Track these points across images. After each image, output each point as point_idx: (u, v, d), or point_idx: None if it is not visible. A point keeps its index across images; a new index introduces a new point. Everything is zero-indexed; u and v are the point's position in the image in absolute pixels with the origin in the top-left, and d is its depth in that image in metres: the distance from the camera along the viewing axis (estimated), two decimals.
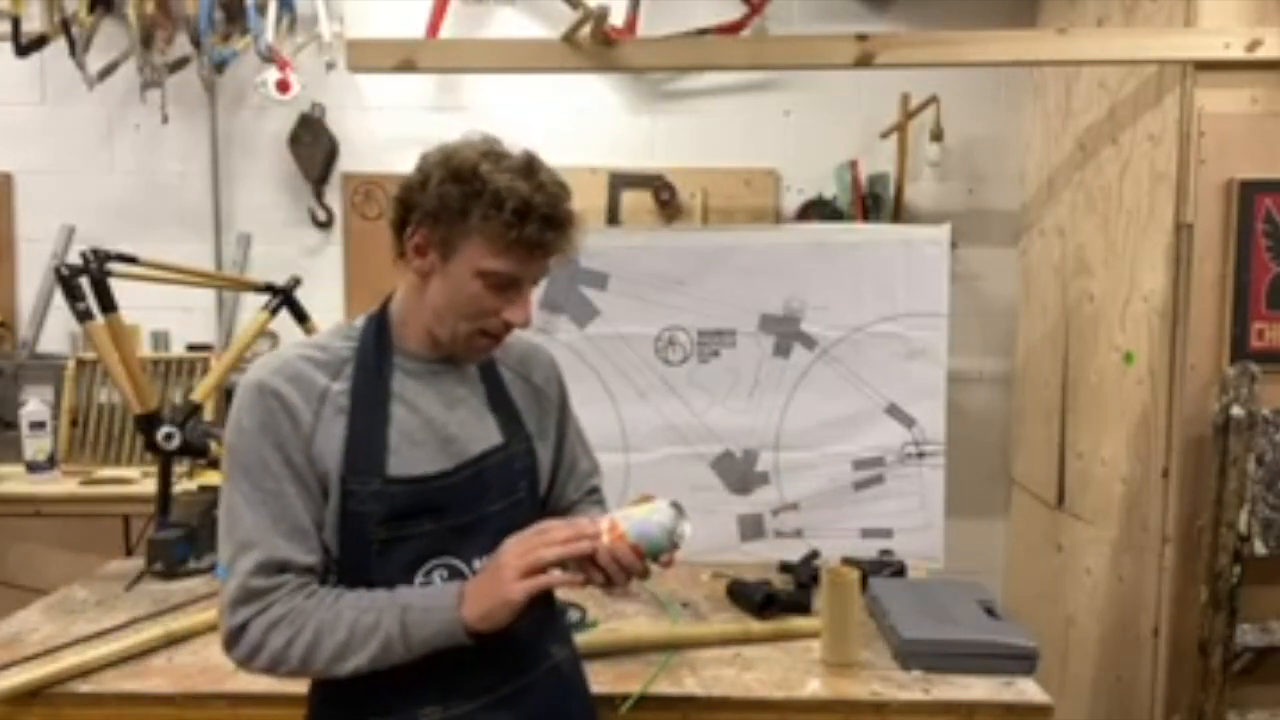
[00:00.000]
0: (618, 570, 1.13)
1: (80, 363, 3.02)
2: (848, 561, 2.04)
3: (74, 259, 2.02)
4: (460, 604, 1.09)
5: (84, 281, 1.94)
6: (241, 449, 1.12)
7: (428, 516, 1.16)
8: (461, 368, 1.25)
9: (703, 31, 2.98)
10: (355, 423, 1.14)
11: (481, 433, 1.23)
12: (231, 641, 1.10)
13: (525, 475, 1.27)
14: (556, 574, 1.10)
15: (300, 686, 1.25)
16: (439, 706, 1.16)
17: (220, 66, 3.00)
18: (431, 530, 1.16)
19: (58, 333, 3.19)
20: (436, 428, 1.19)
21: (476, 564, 1.18)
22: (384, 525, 1.13)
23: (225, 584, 1.11)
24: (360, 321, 1.23)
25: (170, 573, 1.96)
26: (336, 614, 1.09)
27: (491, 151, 1.13)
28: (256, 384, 1.13)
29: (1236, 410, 2.13)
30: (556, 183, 1.15)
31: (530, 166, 1.13)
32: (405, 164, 1.19)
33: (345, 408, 1.15)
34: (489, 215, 1.10)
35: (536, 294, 2.49)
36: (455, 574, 1.17)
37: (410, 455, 1.16)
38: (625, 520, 1.15)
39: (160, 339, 3.20)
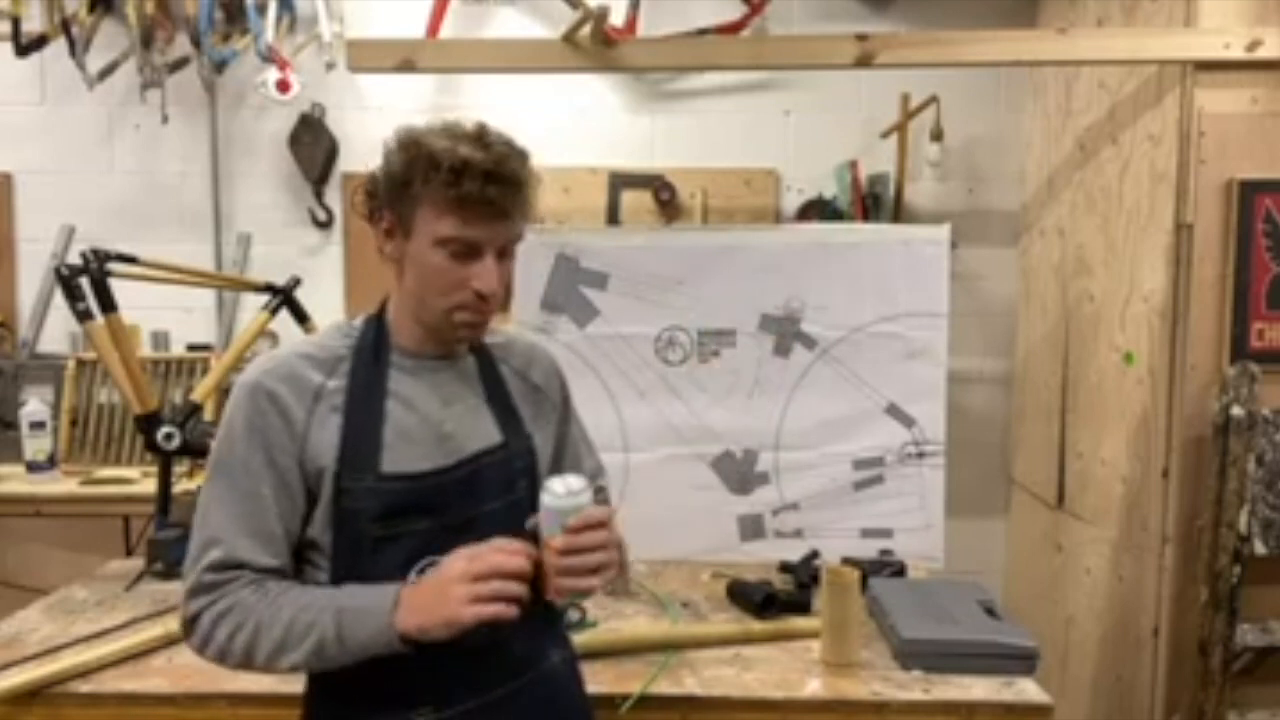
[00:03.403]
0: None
1: (80, 363, 3.02)
2: (848, 561, 2.05)
3: (74, 259, 2.02)
4: (395, 610, 1.06)
5: (84, 281, 1.94)
6: (226, 447, 1.13)
7: (422, 514, 1.15)
8: (460, 365, 1.25)
9: (703, 31, 2.98)
10: (350, 420, 1.14)
11: (479, 431, 1.23)
12: (187, 630, 1.13)
13: (524, 475, 1.26)
14: (511, 608, 1.05)
15: (299, 686, 1.25)
16: (432, 707, 1.16)
17: (220, 66, 3.00)
18: (426, 528, 1.15)
19: (58, 333, 3.19)
20: (432, 425, 1.19)
21: None
22: (378, 522, 1.13)
23: (185, 574, 1.13)
24: (360, 320, 1.23)
25: (170, 573, 1.96)
26: (276, 610, 1.09)
27: (442, 124, 1.13)
28: (250, 383, 1.14)
29: (1236, 410, 2.13)
30: (505, 143, 1.14)
31: (478, 132, 1.13)
32: None
33: (340, 405, 1.15)
34: (429, 178, 1.09)
35: (536, 293, 2.55)
36: None
37: (405, 452, 1.16)
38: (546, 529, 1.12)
39: (160, 339, 3.20)
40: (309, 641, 1.07)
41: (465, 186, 1.08)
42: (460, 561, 1.08)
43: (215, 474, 1.14)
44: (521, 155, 1.15)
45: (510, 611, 1.04)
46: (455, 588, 1.05)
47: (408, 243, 1.14)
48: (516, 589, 1.05)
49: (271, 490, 1.12)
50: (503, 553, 1.08)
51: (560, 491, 1.10)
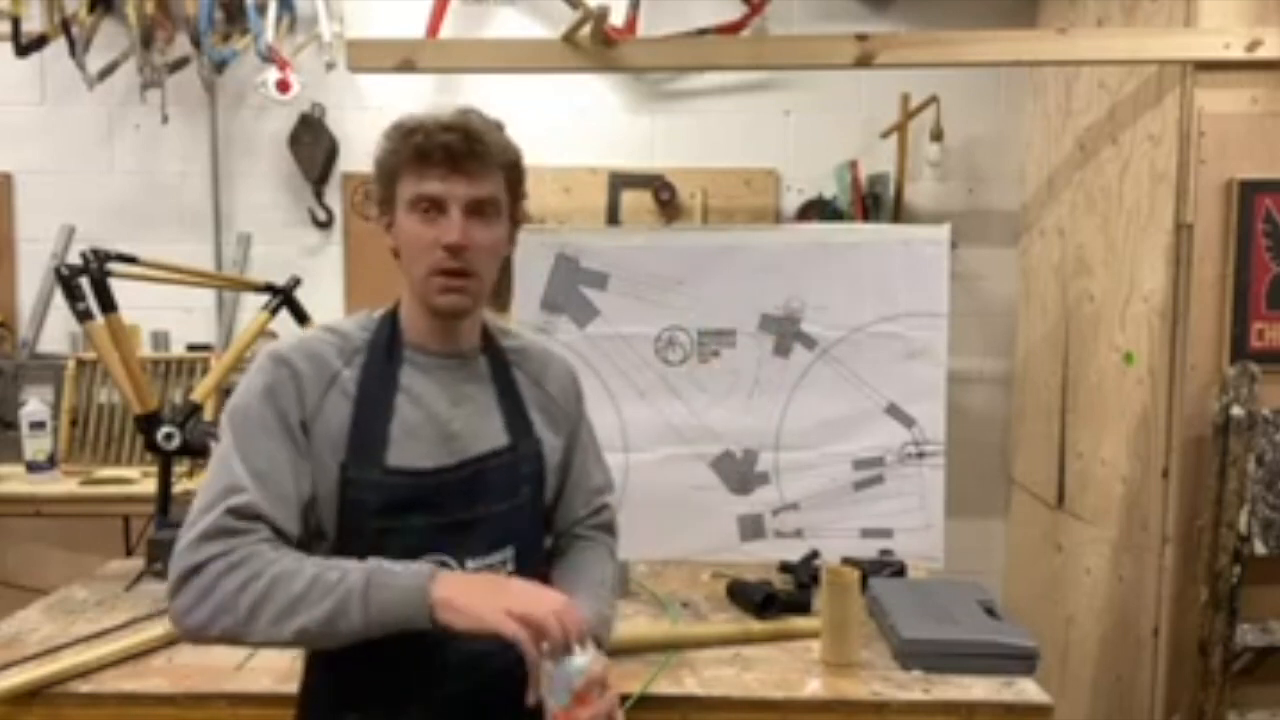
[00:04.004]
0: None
1: (80, 363, 3.02)
2: (848, 561, 2.04)
3: (74, 259, 2.02)
4: (432, 578, 1.04)
5: (84, 281, 1.94)
6: (244, 407, 1.13)
7: (424, 511, 1.15)
8: (472, 365, 1.25)
9: (703, 31, 2.98)
10: (360, 412, 1.15)
11: (486, 432, 1.23)
12: (180, 583, 1.05)
13: (530, 480, 1.26)
14: (533, 654, 1.01)
15: (297, 686, 1.25)
16: (425, 705, 1.16)
17: (220, 66, 3.00)
18: (426, 525, 1.15)
19: (58, 333, 3.19)
20: (439, 424, 1.19)
21: (470, 564, 1.18)
22: (380, 516, 1.13)
23: (191, 525, 1.07)
24: (379, 313, 1.24)
25: None
26: (300, 566, 1.06)
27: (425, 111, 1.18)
28: (274, 354, 1.15)
29: (1236, 410, 2.13)
30: (474, 111, 1.17)
31: (454, 109, 1.16)
32: None
33: (352, 395, 1.16)
34: (399, 148, 1.14)
35: (536, 293, 2.55)
36: None
37: (409, 448, 1.16)
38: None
39: (160, 339, 3.20)
40: (332, 598, 1.02)
41: (420, 137, 1.12)
42: (544, 590, 1.08)
43: (233, 433, 1.12)
44: (486, 118, 1.18)
45: (536, 658, 1.01)
46: (511, 597, 1.03)
47: (396, 220, 1.17)
48: (558, 637, 1.02)
49: (288, 453, 1.12)
50: (573, 609, 1.06)
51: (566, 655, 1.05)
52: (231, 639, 1.07)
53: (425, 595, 1.03)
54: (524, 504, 1.25)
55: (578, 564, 1.34)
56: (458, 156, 1.13)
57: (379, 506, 1.13)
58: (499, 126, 1.19)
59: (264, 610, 1.03)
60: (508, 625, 1.01)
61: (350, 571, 1.05)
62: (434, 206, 1.14)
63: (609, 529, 1.42)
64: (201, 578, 1.05)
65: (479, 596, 1.04)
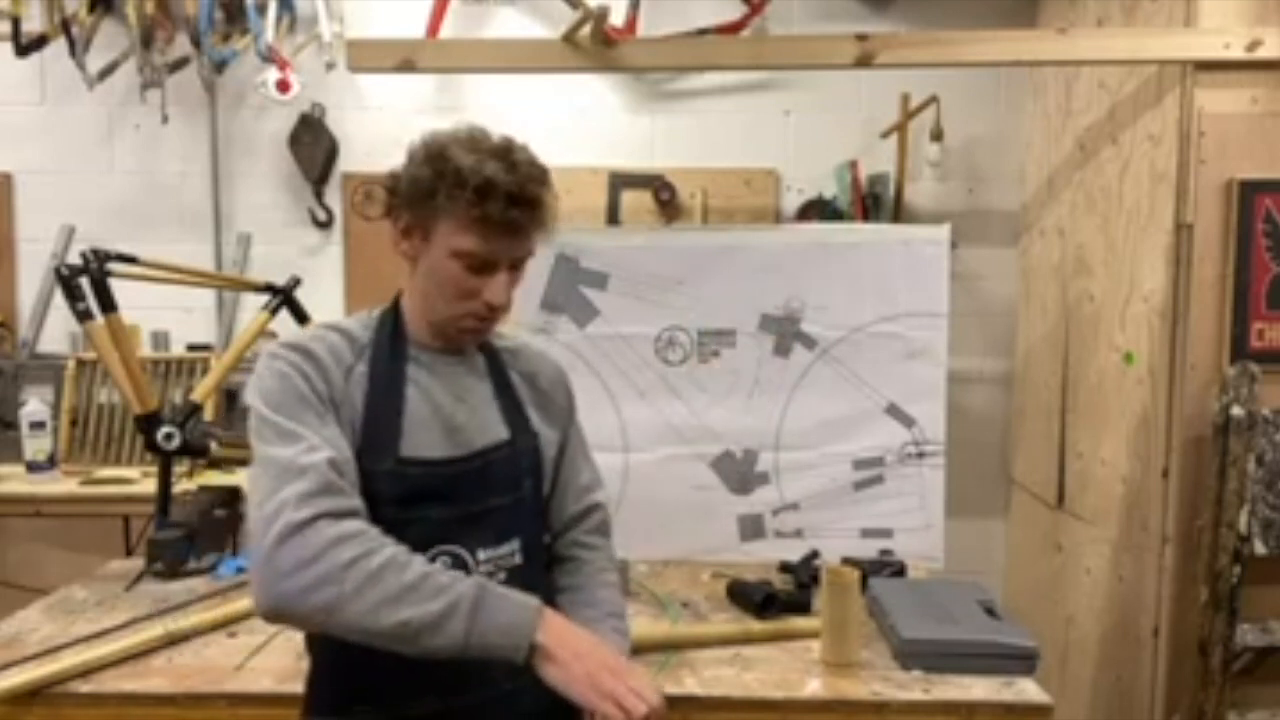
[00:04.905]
0: None
1: (80, 363, 3.02)
2: (848, 561, 2.05)
3: (74, 259, 2.02)
4: (541, 615, 1.05)
5: (84, 281, 1.94)
6: (278, 389, 1.12)
7: (435, 502, 1.17)
8: (471, 362, 1.28)
9: (703, 31, 2.98)
10: (372, 403, 1.17)
11: (488, 426, 1.25)
12: (281, 542, 1.00)
13: (530, 473, 1.29)
14: None
15: (298, 685, 1.25)
16: (436, 697, 1.17)
17: (220, 66, 3.00)
18: (438, 516, 1.17)
19: (58, 333, 3.18)
20: (444, 416, 1.21)
21: (480, 554, 1.20)
22: (393, 506, 1.14)
23: (276, 490, 1.04)
24: (378, 312, 1.26)
25: (170, 573, 1.96)
26: (411, 558, 1.05)
27: (469, 136, 1.15)
28: (292, 344, 1.16)
29: (1236, 410, 2.13)
30: (529, 163, 1.15)
31: (504, 149, 1.15)
32: None
33: (364, 388, 1.17)
34: (454, 194, 1.11)
35: (536, 293, 2.55)
36: (459, 562, 1.18)
37: (420, 439, 1.18)
38: None
39: (160, 339, 3.20)
40: (442, 600, 1.01)
41: (488, 207, 1.10)
42: (642, 673, 1.07)
43: (275, 407, 1.10)
44: (544, 175, 1.17)
45: None
46: (610, 675, 1.03)
47: (425, 245, 1.17)
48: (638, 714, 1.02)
49: (335, 424, 1.13)
50: (661, 698, 1.05)
51: None
52: (315, 614, 1.02)
53: (531, 632, 1.03)
54: (526, 497, 1.27)
55: (591, 591, 1.34)
56: (522, 227, 1.14)
57: (394, 497, 1.15)
58: (546, 174, 1.18)
59: (370, 591, 1.00)
60: (603, 708, 1.01)
61: (460, 579, 1.05)
62: (483, 264, 1.15)
63: (604, 531, 1.43)
64: (310, 537, 1.01)
65: (580, 661, 1.04)
